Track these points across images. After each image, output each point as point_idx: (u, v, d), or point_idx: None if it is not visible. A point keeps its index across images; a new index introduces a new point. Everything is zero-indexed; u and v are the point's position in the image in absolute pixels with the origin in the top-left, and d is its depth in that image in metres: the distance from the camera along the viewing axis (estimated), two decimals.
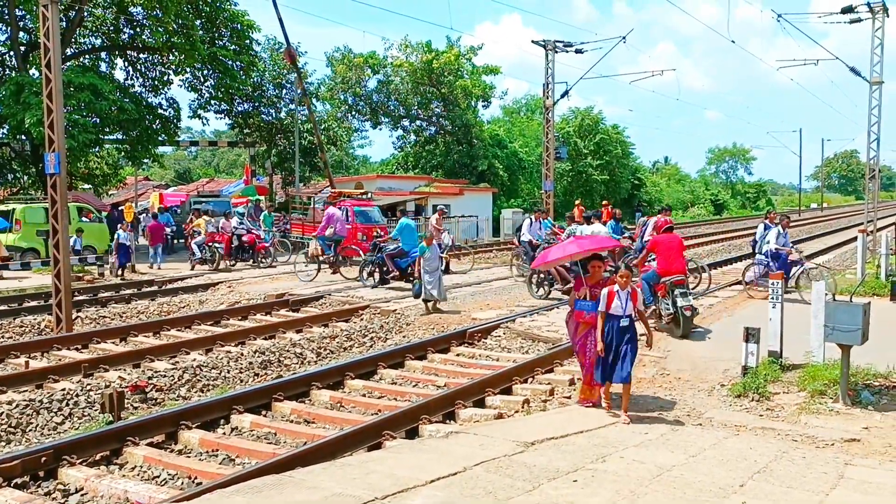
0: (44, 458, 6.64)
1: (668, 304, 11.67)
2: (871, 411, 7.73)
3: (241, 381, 10.33)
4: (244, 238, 23.65)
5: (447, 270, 19.73)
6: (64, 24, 25.56)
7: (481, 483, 5.49)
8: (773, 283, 9.38)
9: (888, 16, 22.30)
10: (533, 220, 19.31)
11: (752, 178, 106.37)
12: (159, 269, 22.89)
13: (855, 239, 22.43)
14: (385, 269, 17.78)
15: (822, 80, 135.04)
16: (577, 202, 33.00)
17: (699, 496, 5.34)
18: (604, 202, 31.02)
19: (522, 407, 8.62)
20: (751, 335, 8.83)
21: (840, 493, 5.50)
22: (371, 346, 12.50)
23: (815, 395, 8.18)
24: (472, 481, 5.53)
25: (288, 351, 11.82)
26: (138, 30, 29.33)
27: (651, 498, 5.30)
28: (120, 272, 21.37)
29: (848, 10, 22.58)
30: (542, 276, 15.94)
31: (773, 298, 9.30)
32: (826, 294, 8.97)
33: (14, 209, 23.54)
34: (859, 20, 22.76)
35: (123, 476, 6.75)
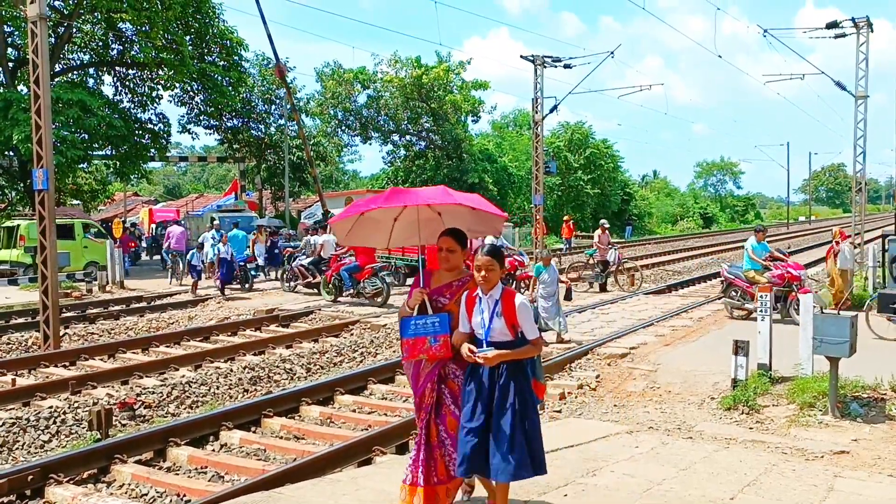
0: (30, 477, 6.58)
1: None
2: (860, 423, 7.75)
3: (231, 398, 10.27)
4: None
5: (567, 296, 17.72)
6: (52, 40, 25.54)
7: (470, 498, 5.47)
8: (761, 296, 9.43)
9: (872, 31, 22.55)
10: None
11: (740, 191, 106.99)
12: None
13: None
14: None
15: (809, 95, 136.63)
16: (565, 218, 33.04)
17: None
18: (565, 217, 30.89)
19: None
20: (740, 348, 8.86)
21: None
22: (361, 361, 12.46)
23: (804, 407, 8.20)
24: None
25: (278, 367, 11.77)
26: (127, 45, 29.34)
27: None
28: (221, 289, 20.10)
29: (833, 25, 22.82)
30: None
31: (761, 311, 9.35)
32: (814, 307, 9.02)
33: (18, 225, 23.54)
34: (844, 35, 23.00)
35: (111, 494, 6.69)
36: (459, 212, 5.01)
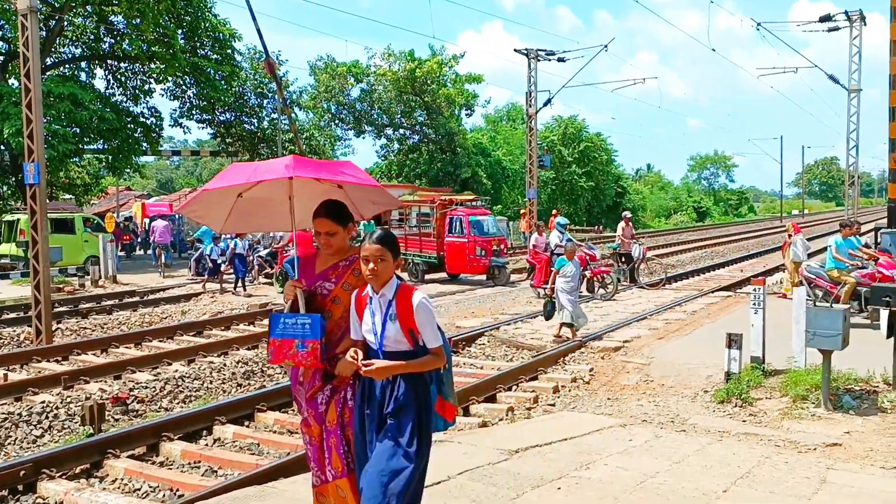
0: (23, 472, 6.55)
1: None
2: (852, 416, 7.78)
3: (224, 392, 10.25)
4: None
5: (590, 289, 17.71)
6: (43, 33, 25.37)
7: (465, 492, 5.47)
8: (754, 290, 9.45)
9: (865, 24, 22.64)
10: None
11: (734, 185, 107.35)
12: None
13: None
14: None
15: (802, 88, 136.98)
16: (553, 212, 32.87)
17: (683, 502, 5.35)
18: (553, 210, 30.68)
19: (506, 415, 8.62)
20: (733, 341, 8.87)
21: (822, 497, 5.52)
22: None
23: (797, 400, 8.22)
24: (456, 490, 5.51)
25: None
26: (119, 39, 29.17)
27: None
28: (240, 286, 19.57)
29: (826, 18, 22.90)
30: None
31: (754, 304, 9.37)
32: (806, 299, 9.04)
33: (18, 219, 23.47)
34: (837, 29, 23.09)
35: (104, 489, 6.67)
36: (354, 186, 4.28)
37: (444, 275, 21.21)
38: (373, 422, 3.74)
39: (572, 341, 11.73)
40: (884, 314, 9.50)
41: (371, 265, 3.66)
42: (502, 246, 20.71)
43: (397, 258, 3.77)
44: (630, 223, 20.37)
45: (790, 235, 16.55)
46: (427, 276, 21.21)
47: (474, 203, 22.41)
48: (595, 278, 17.16)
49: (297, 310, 3.98)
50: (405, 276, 21.33)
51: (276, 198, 4.36)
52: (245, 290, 19.46)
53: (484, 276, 20.33)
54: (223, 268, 19.75)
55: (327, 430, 4.03)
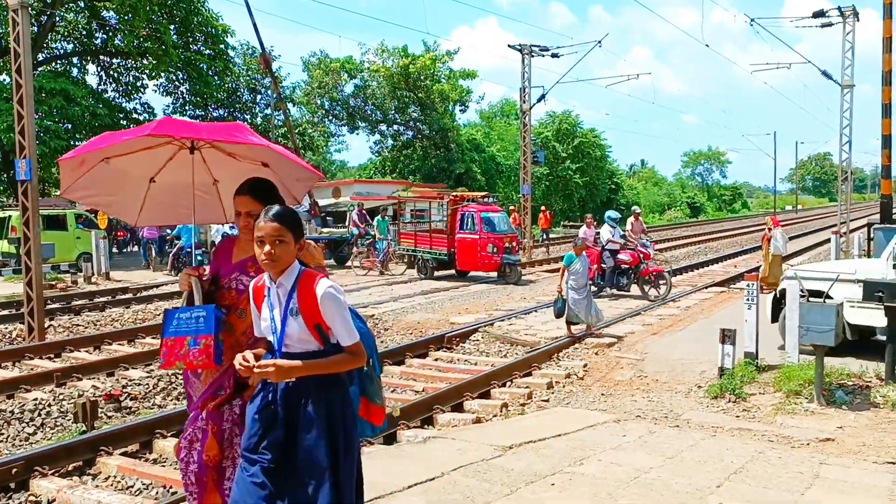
0: (14, 470, 6.51)
1: None
2: (845, 411, 7.81)
3: None
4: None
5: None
6: (35, 29, 25.24)
7: (459, 488, 5.47)
8: (748, 285, 9.46)
9: (858, 20, 22.66)
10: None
11: (727, 180, 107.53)
12: None
13: (828, 240, 22.75)
14: None
15: (796, 84, 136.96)
16: (542, 208, 32.86)
17: (677, 497, 5.36)
18: (542, 207, 30.49)
19: (501, 411, 8.61)
20: (727, 337, 8.89)
21: (815, 492, 5.54)
22: None
23: (790, 395, 8.25)
24: (450, 486, 5.51)
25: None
26: (111, 34, 29.06)
27: (628, 500, 5.31)
28: None
29: (819, 14, 22.93)
30: None
31: (748, 300, 9.38)
32: (799, 294, 9.05)
33: (10, 216, 23.32)
34: (830, 24, 23.12)
35: (97, 487, 6.64)
36: (278, 161, 3.73)
37: (453, 272, 20.81)
38: (273, 442, 3.09)
39: (567, 337, 11.72)
40: (766, 300, 10.69)
41: (267, 247, 3.03)
42: (514, 243, 20.37)
43: (300, 239, 3.18)
44: (640, 218, 20.06)
45: (770, 229, 16.83)
46: (437, 273, 20.84)
47: (486, 199, 21.95)
48: (647, 277, 16.30)
49: (194, 303, 3.51)
50: (414, 272, 21.36)
51: (198, 182, 3.84)
52: None
53: (495, 274, 20.03)
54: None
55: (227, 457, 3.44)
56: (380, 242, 22.59)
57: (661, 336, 12.02)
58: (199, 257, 23.12)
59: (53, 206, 27.00)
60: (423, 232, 21.74)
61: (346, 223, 25.39)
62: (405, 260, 22.64)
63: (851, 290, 9.35)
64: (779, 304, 10.37)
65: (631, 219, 20.08)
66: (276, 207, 3.13)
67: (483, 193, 23.64)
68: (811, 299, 8.91)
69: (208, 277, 3.58)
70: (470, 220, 19.69)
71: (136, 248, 33.61)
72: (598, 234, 17.29)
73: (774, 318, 10.50)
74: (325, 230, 25.70)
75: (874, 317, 8.86)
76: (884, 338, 8.80)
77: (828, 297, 9.43)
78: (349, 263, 23.06)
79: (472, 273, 21.02)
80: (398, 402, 8.77)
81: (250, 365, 3.01)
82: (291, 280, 3.13)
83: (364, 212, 25.52)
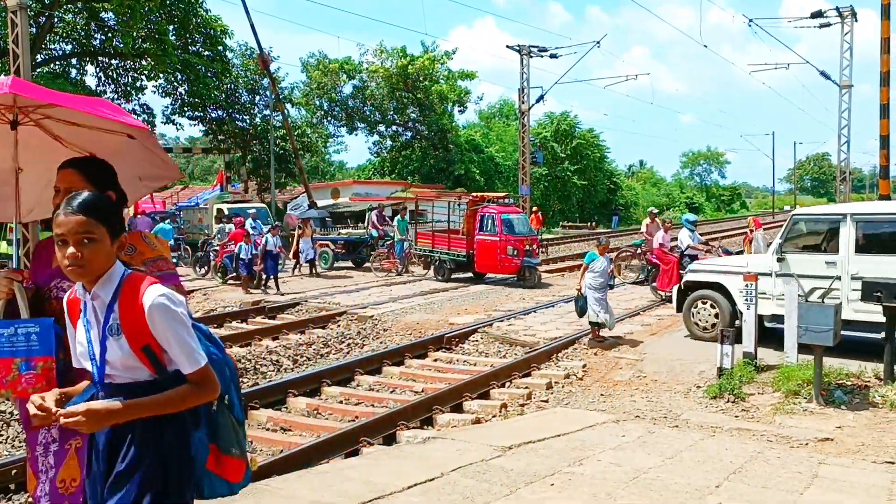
0: (14, 471, 6.53)
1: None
2: (843, 411, 7.81)
3: None
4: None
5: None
6: (34, 30, 25.23)
7: (458, 488, 5.47)
8: (746, 285, 9.47)
9: (856, 20, 22.69)
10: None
11: (726, 181, 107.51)
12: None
13: None
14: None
15: (794, 84, 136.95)
16: (534, 209, 32.73)
17: (676, 497, 5.36)
18: (534, 209, 30.26)
19: (500, 411, 8.62)
20: (725, 337, 8.90)
21: (814, 492, 5.55)
22: (348, 353, 12.43)
23: (789, 395, 8.25)
24: (449, 486, 5.51)
25: (264, 358, 11.73)
26: (110, 35, 29.06)
27: (628, 500, 5.31)
28: (266, 283, 18.68)
29: (817, 14, 22.97)
30: None
31: (747, 300, 9.39)
32: (798, 294, 9.06)
33: None
34: (829, 25, 23.16)
35: None
36: (131, 150, 3.18)
37: (471, 274, 20.42)
38: (95, 482, 2.46)
39: (595, 340, 11.43)
40: (674, 291, 12.21)
41: (70, 249, 2.30)
42: (535, 246, 19.94)
43: (118, 236, 2.43)
44: (656, 219, 19.73)
45: (751, 231, 16.82)
46: (453, 275, 20.34)
47: (506, 200, 21.34)
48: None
49: (17, 315, 2.81)
50: (430, 272, 20.98)
51: (30, 170, 3.20)
52: (278, 288, 18.57)
53: (514, 276, 19.55)
54: (255, 267, 18.86)
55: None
56: (399, 243, 22.17)
57: (660, 336, 12.03)
58: (173, 260, 22.94)
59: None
60: (441, 232, 21.24)
61: (365, 224, 24.99)
62: (421, 261, 22.26)
63: (742, 280, 10.18)
64: (684, 295, 11.69)
65: (646, 220, 19.81)
66: (81, 195, 2.37)
67: (503, 194, 23.25)
68: (710, 291, 11.26)
69: (32, 285, 2.89)
70: (490, 221, 19.23)
71: None
72: (673, 238, 16.33)
73: (679, 309, 11.85)
74: (343, 231, 25.39)
75: (762, 306, 9.96)
76: (771, 325, 10.51)
77: (723, 288, 11.07)
78: (368, 265, 22.79)
79: (491, 275, 20.59)
80: (397, 404, 8.77)
81: (49, 413, 2.27)
82: (111, 290, 2.37)
83: (383, 213, 24.95)
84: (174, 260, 21.98)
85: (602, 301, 11.31)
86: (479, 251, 19.39)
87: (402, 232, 22.43)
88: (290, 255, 22.28)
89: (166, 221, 25.76)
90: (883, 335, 8.55)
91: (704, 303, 11.38)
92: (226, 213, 25.60)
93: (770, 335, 10.43)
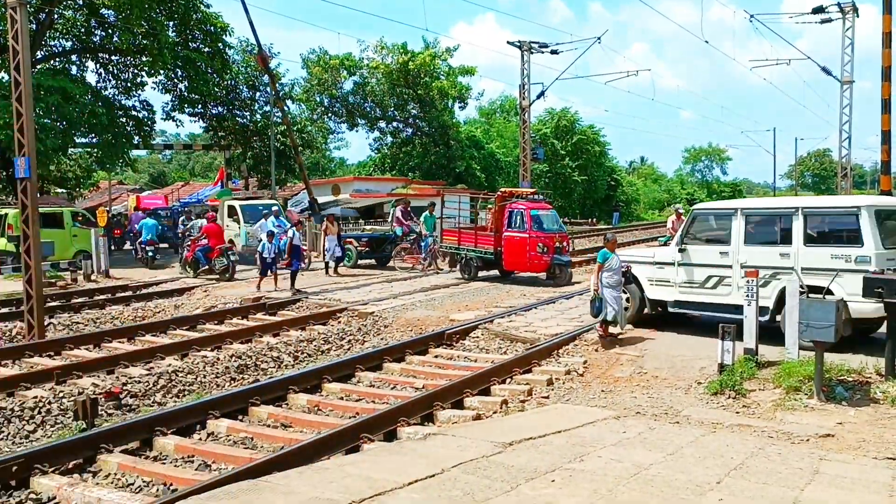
0: (15, 468, 6.53)
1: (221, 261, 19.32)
2: (844, 407, 7.81)
3: (218, 386, 10.23)
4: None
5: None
6: (33, 26, 25.19)
7: (459, 484, 5.47)
8: (748, 281, 9.45)
9: (858, 16, 22.68)
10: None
11: (727, 177, 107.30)
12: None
13: None
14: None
15: (795, 80, 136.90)
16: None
17: (677, 494, 5.36)
18: None
19: (500, 407, 8.62)
20: (726, 333, 8.89)
21: (815, 488, 5.54)
22: (349, 349, 12.44)
23: (790, 391, 8.25)
24: (449, 483, 5.51)
25: (265, 355, 11.73)
26: (109, 32, 28.99)
27: (629, 496, 5.31)
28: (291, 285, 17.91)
29: (819, 10, 22.92)
30: None
31: (747, 296, 9.37)
32: (799, 291, 9.05)
33: (6, 213, 23.27)
34: (830, 20, 23.11)
35: (97, 484, 6.65)
36: None
37: (498, 272, 19.90)
38: None
39: (606, 338, 11.20)
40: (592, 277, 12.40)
41: None
42: (565, 243, 19.19)
43: None
44: (681, 217, 19.21)
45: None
46: (480, 273, 19.85)
47: (536, 196, 20.44)
48: None
49: None
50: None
51: None
52: (293, 287, 17.85)
53: (543, 275, 18.86)
54: (279, 262, 18.56)
55: None
56: (426, 239, 21.81)
57: (661, 332, 12.01)
58: (150, 253, 23.25)
59: (50, 204, 26.97)
60: (468, 229, 20.58)
61: (390, 221, 24.61)
62: (447, 259, 21.73)
63: (649, 269, 11.93)
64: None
65: (672, 217, 19.38)
66: None
67: (532, 190, 22.67)
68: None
69: None
70: (519, 217, 18.52)
71: (131, 246, 33.65)
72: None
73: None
74: (367, 228, 25.06)
75: (666, 292, 11.68)
76: (674, 310, 11.82)
77: (632, 274, 12.01)
78: (391, 263, 22.58)
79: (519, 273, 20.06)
80: (398, 400, 8.77)
81: None
82: None
83: (409, 209, 23.99)
84: (151, 252, 22.32)
85: (619, 299, 11.12)
86: (507, 248, 18.84)
87: (429, 228, 22.04)
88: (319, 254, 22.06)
89: (151, 217, 26.69)
90: (885, 330, 8.55)
91: None
92: (238, 209, 25.61)
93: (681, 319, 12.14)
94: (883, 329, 9.06)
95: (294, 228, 18.57)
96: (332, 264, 21.21)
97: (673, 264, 11.56)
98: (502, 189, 22.00)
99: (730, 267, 10.83)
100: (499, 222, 19.31)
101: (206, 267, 20.39)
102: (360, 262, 22.99)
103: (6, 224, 22.99)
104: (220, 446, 7.58)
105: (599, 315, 11.14)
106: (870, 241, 9.59)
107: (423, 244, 21.81)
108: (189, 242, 21.58)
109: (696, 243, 11.46)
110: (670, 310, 11.79)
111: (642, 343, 11.17)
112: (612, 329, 11.33)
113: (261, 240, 18.71)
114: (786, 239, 10.45)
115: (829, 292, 8.87)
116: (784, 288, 9.56)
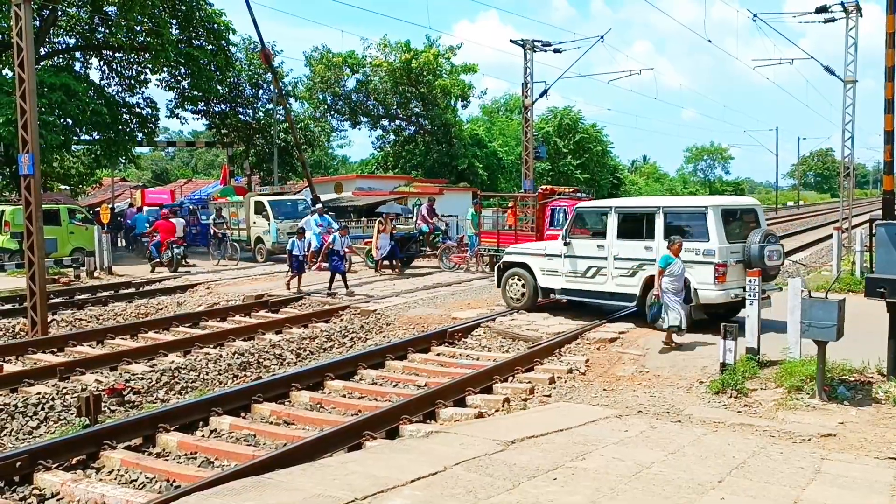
0: (19, 463, 6.55)
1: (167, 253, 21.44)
2: (846, 406, 7.82)
3: (220, 383, 10.25)
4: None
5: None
6: (37, 23, 25.21)
7: (461, 482, 5.49)
8: (749, 281, 9.46)
9: (861, 15, 22.58)
10: None
11: (729, 176, 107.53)
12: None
13: (830, 236, 22.71)
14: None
15: (798, 80, 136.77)
16: (510, 205, 32.35)
17: (678, 492, 5.37)
18: (510, 204, 29.67)
19: (503, 406, 8.63)
20: (728, 332, 8.89)
21: (816, 487, 5.55)
22: (351, 347, 12.45)
23: (791, 390, 8.26)
24: (452, 481, 5.53)
25: (267, 352, 11.75)
26: (113, 29, 29.01)
27: (630, 495, 5.32)
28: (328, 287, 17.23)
29: (822, 9, 22.84)
30: None
31: (749, 295, 9.38)
32: (801, 290, 9.05)
33: (3, 210, 23.25)
34: (833, 20, 23.03)
35: (100, 480, 6.67)
36: None
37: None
38: None
39: (668, 346, 10.77)
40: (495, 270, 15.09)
41: None
42: None
43: None
44: None
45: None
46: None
47: (577, 194, 19.89)
48: None
49: None
50: (178, 249, 22.60)
51: None
52: (347, 287, 17.19)
53: None
54: (316, 264, 18.38)
55: None
56: (472, 237, 21.38)
57: (662, 332, 12.01)
58: (176, 253, 23.40)
59: (48, 200, 26.91)
60: (507, 229, 19.89)
61: (414, 219, 24.33)
62: (486, 261, 21.03)
63: (541, 261, 13.50)
64: (501, 273, 14.35)
65: None
66: None
67: (573, 188, 22.32)
68: (519, 269, 13.86)
69: None
70: (562, 215, 17.74)
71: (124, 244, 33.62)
72: None
73: (498, 284, 14.47)
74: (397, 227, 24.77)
75: (555, 281, 13.30)
76: (562, 297, 13.53)
77: (527, 266, 13.73)
78: (439, 264, 22.24)
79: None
80: (400, 398, 8.79)
81: None
82: None
83: (433, 206, 23.64)
84: (179, 252, 22.71)
85: (680, 304, 10.53)
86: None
87: (476, 226, 21.45)
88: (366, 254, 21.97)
89: (143, 213, 28.51)
90: (888, 330, 8.54)
91: (514, 279, 13.98)
92: (266, 205, 25.44)
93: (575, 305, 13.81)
94: (744, 312, 9.50)
95: (338, 233, 17.69)
96: (385, 262, 20.79)
97: (560, 256, 13.08)
98: (543, 187, 21.61)
99: (605, 259, 12.38)
100: (540, 221, 18.83)
101: (157, 260, 22.63)
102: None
103: (3, 221, 22.91)
104: (222, 443, 7.60)
105: (655, 322, 10.74)
106: (714, 237, 11.13)
107: (470, 242, 21.43)
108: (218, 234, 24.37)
109: (578, 238, 12.93)
110: (557, 296, 13.52)
111: (644, 342, 11.18)
112: (675, 338, 10.74)
113: (301, 235, 17.85)
114: (650, 234, 11.88)
115: (687, 281, 10.73)
116: (649, 276, 11.50)
